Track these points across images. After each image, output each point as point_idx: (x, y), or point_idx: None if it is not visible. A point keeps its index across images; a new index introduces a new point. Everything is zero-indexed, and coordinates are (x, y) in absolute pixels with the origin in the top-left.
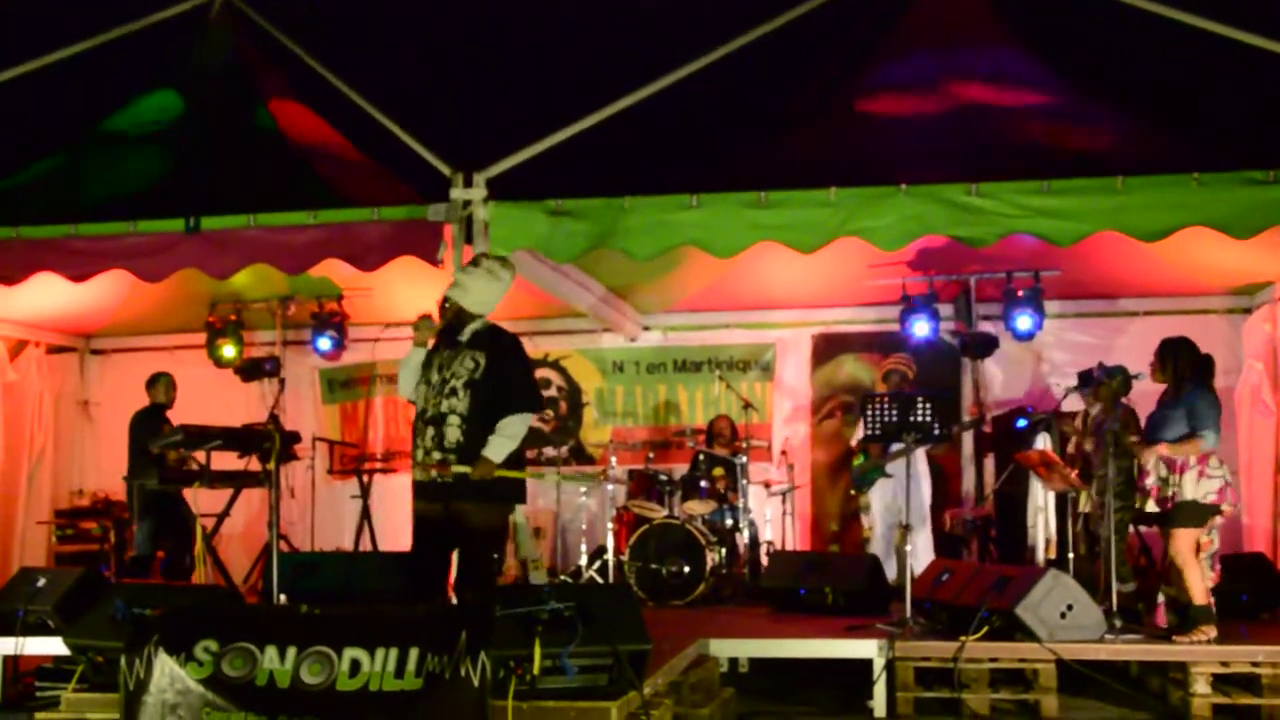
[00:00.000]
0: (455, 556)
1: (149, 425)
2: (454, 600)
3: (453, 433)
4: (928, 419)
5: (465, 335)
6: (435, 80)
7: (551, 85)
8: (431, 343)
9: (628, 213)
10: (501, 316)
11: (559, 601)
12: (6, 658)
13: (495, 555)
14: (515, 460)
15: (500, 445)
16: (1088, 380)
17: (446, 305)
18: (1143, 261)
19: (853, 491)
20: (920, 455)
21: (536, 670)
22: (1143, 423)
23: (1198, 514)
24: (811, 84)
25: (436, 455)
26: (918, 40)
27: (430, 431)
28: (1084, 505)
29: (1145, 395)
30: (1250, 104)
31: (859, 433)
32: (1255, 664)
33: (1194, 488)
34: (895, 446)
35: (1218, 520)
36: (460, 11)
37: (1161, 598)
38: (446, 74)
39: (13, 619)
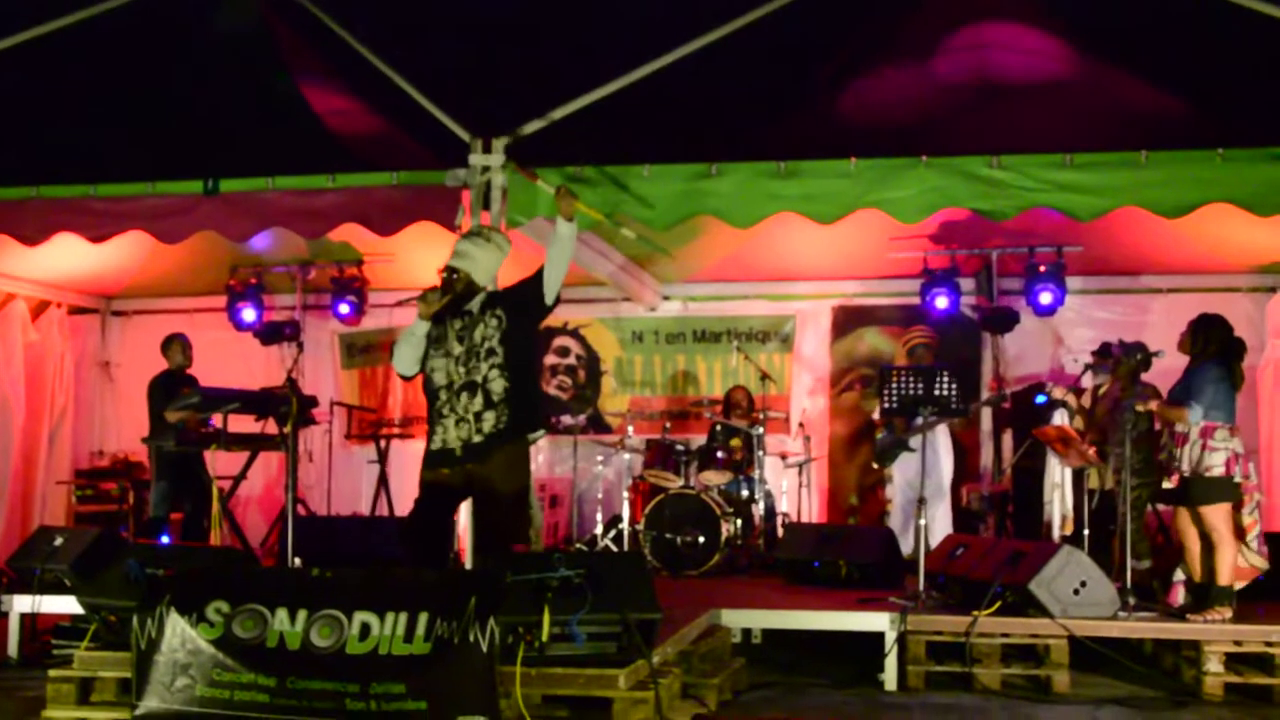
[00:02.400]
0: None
1: (164, 391)
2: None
3: (497, 385)
4: (948, 393)
5: (475, 305)
6: (455, 46)
7: (572, 52)
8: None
9: (646, 181)
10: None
11: (569, 569)
12: (24, 615)
13: (523, 518)
14: (533, 419)
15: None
16: (1107, 352)
17: (455, 276)
18: (1166, 238)
19: (875, 464)
20: (943, 430)
21: (545, 637)
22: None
23: (1214, 489)
24: (835, 54)
25: (489, 414)
26: (940, 12)
27: (465, 396)
28: (1093, 482)
29: (1164, 374)
30: (1275, 79)
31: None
32: (1269, 643)
33: (1194, 460)
34: (918, 420)
35: (1257, 498)
36: None
37: (1179, 575)
38: (466, 40)
39: (30, 577)
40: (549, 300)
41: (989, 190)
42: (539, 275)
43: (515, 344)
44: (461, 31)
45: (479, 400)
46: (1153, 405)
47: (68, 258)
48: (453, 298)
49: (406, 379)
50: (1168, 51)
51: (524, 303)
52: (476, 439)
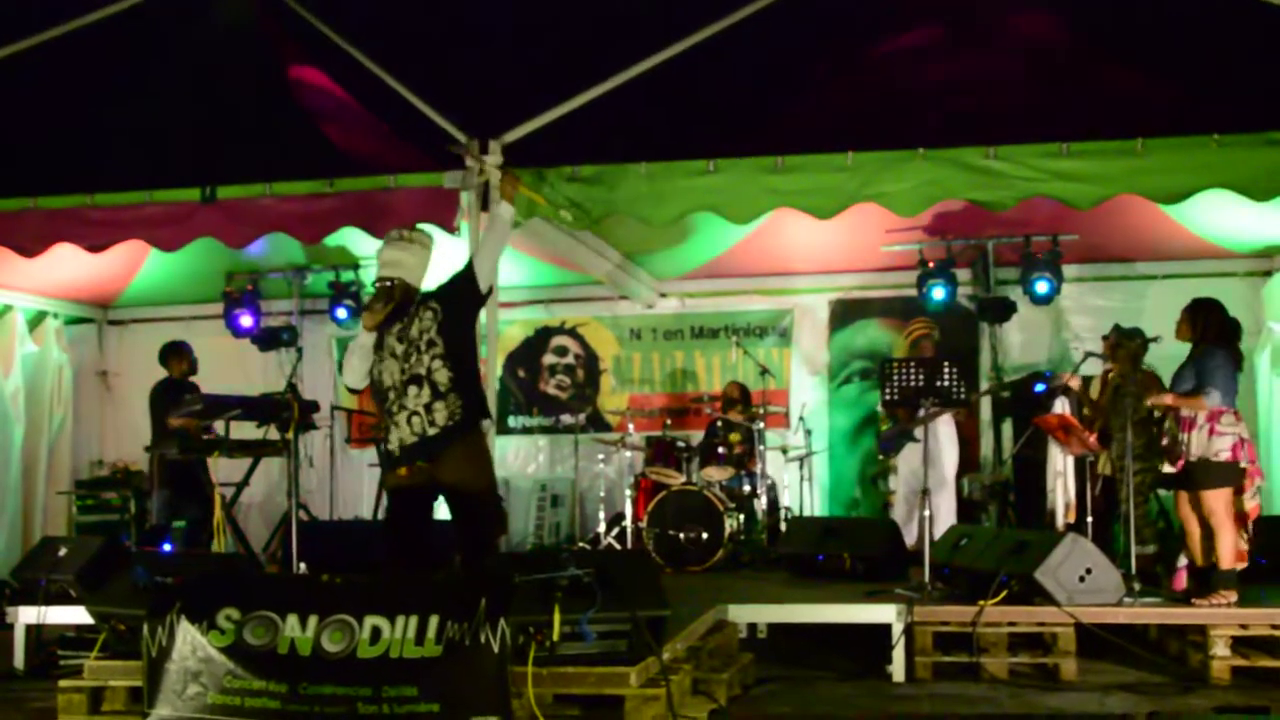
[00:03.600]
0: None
1: (166, 398)
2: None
3: (441, 376)
4: (950, 384)
5: (412, 307)
6: (451, 48)
7: (567, 52)
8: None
9: (643, 178)
10: (519, 283)
11: (578, 568)
12: (29, 626)
13: (496, 510)
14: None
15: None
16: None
17: (392, 285)
18: (1162, 224)
19: (880, 456)
20: (947, 420)
21: (556, 636)
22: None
23: (1222, 473)
24: (829, 49)
25: (439, 404)
26: (933, 3)
27: (413, 390)
28: (1103, 468)
29: (1164, 360)
30: (1270, 64)
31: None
32: (1275, 627)
33: (1204, 445)
34: (922, 411)
35: (1259, 482)
36: None
37: (1183, 560)
38: (462, 41)
39: (35, 588)
40: (483, 288)
41: (987, 181)
42: (469, 265)
43: (453, 334)
44: (457, 33)
45: (426, 392)
46: (1167, 400)
47: (63, 268)
48: (394, 307)
49: (355, 392)
50: (1163, 38)
51: (457, 293)
52: (431, 431)
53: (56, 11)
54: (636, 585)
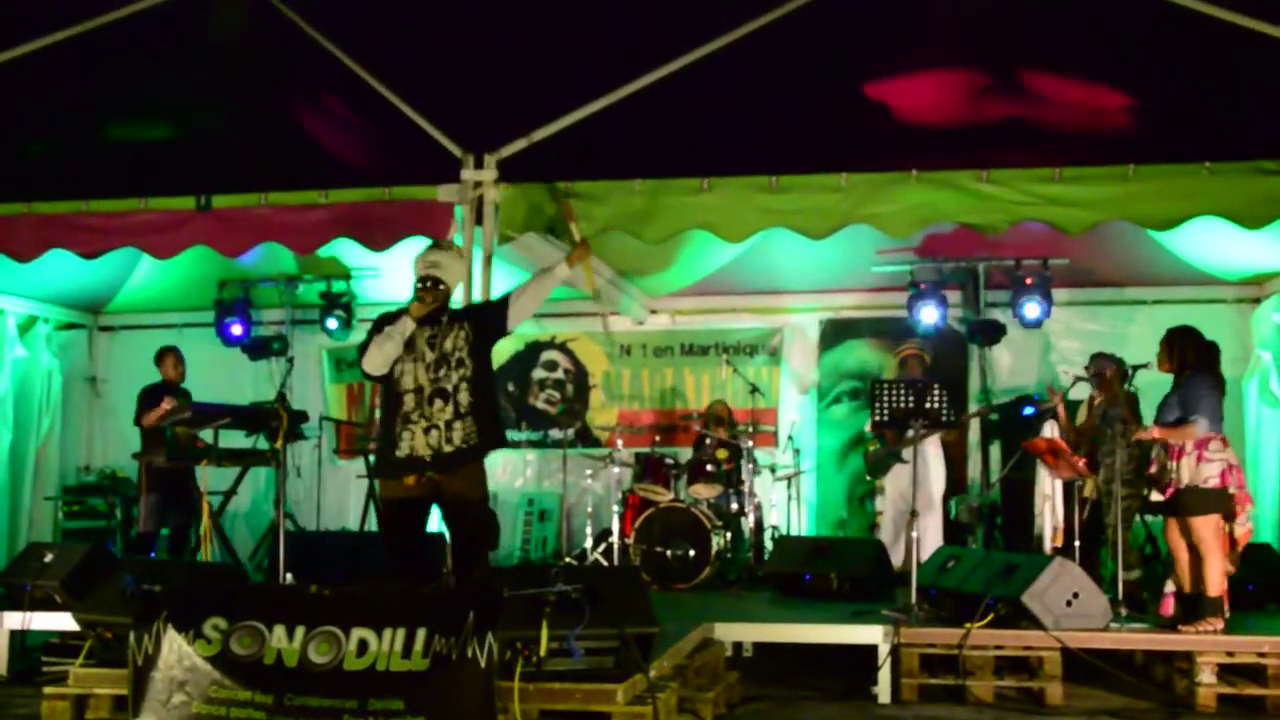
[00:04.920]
0: (452, 534)
1: (144, 400)
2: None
3: (464, 398)
4: (939, 406)
5: (444, 316)
6: (448, 61)
7: (563, 67)
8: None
9: (637, 195)
10: None
11: (567, 584)
12: (13, 632)
13: (492, 520)
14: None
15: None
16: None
17: (440, 287)
18: (1152, 250)
19: (868, 477)
20: (934, 442)
21: (543, 652)
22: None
23: (1210, 500)
24: (824, 69)
25: (459, 424)
26: (927, 26)
27: (439, 403)
28: (1087, 491)
29: (1153, 385)
30: (1262, 93)
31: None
32: (1261, 654)
33: (1192, 472)
34: (910, 433)
35: (1249, 508)
36: None
37: (1170, 586)
38: (459, 55)
39: (20, 594)
40: (509, 328)
41: (979, 204)
42: (505, 301)
43: (480, 360)
44: (453, 46)
45: (449, 409)
46: (1155, 433)
47: (55, 273)
48: (441, 305)
49: (372, 378)
50: (1155, 66)
51: (487, 324)
52: (447, 448)
53: (56, 18)
54: (625, 602)
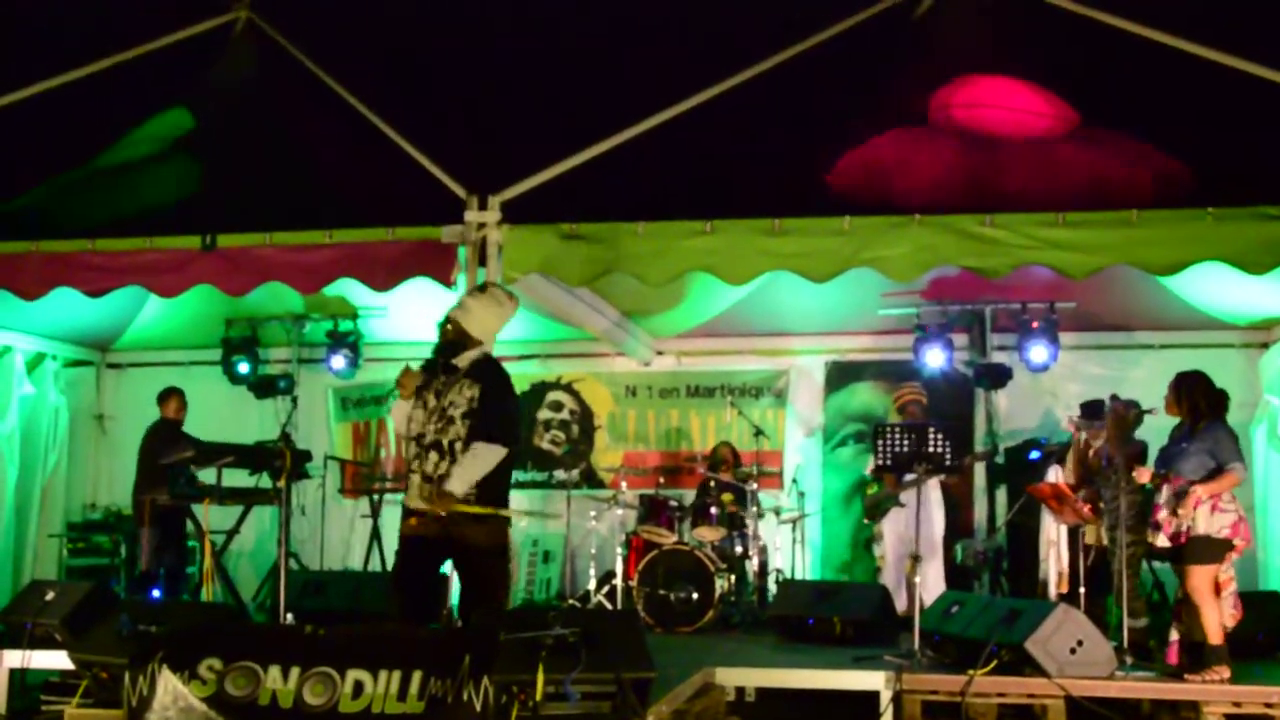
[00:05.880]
0: (458, 579)
1: (162, 440)
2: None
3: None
4: (941, 449)
5: (464, 362)
6: (452, 103)
7: (566, 109)
8: (407, 387)
9: (640, 238)
10: (516, 338)
11: (564, 627)
12: (13, 670)
13: (502, 572)
14: (499, 498)
15: (468, 470)
16: (1096, 412)
17: (449, 326)
18: (1158, 294)
19: (866, 520)
20: (934, 485)
21: (539, 696)
22: (1151, 457)
23: (1212, 550)
24: (826, 114)
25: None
26: (924, 71)
27: (434, 457)
28: (1090, 538)
29: (1155, 431)
30: (1265, 138)
31: (871, 462)
32: (1269, 704)
33: (1207, 522)
34: (909, 476)
35: (1234, 556)
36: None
37: (1175, 634)
38: (464, 96)
39: (21, 632)
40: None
41: (982, 248)
42: (496, 415)
43: (479, 419)
44: (458, 88)
45: (445, 464)
46: (1199, 491)
47: (63, 310)
48: (444, 346)
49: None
50: (1157, 110)
51: (489, 416)
52: (437, 509)
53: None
54: (622, 646)
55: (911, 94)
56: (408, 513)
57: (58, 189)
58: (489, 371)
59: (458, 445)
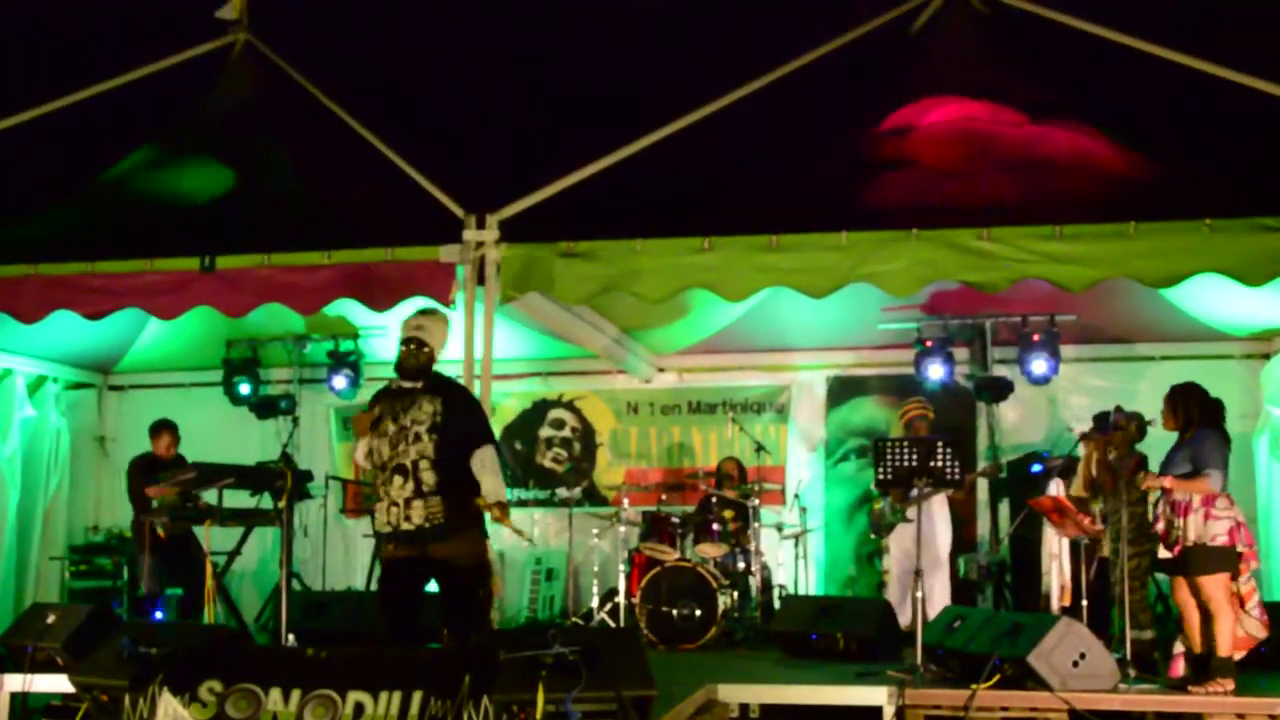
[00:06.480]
0: (441, 597)
1: (141, 475)
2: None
3: (428, 477)
4: (946, 464)
5: (420, 382)
6: (450, 122)
7: (564, 128)
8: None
9: (638, 255)
10: (517, 356)
11: (564, 646)
12: (14, 694)
13: (482, 591)
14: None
15: (494, 480)
16: (1103, 425)
17: (423, 350)
18: (1159, 306)
19: (873, 535)
20: (941, 500)
21: (540, 716)
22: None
23: (1218, 559)
24: (822, 128)
25: (418, 504)
26: (920, 84)
27: (398, 480)
28: (1106, 551)
29: (1159, 443)
30: (1262, 149)
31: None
32: (1273, 716)
33: (1199, 530)
34: (914, 492)
35: (1254, 565)
36: (475, 55)
37: (1178, 647)
38: (461, 115)
39: (22, 655)
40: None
41: (980, 262)
42: (469, 420)
43: (449, 439)
44: (456, 107)
45: (409, 486)
46: (1166, 483)
47: (64, 333)
48: (414, 370)
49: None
50: (1155, 121)
51: (459, 418)
52: (406, 527)
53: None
54: (623, 664)
55: (910, 105)
56: (383, 538)
57: (61, 215)
58: (443, 384)
59: (421, 464)
